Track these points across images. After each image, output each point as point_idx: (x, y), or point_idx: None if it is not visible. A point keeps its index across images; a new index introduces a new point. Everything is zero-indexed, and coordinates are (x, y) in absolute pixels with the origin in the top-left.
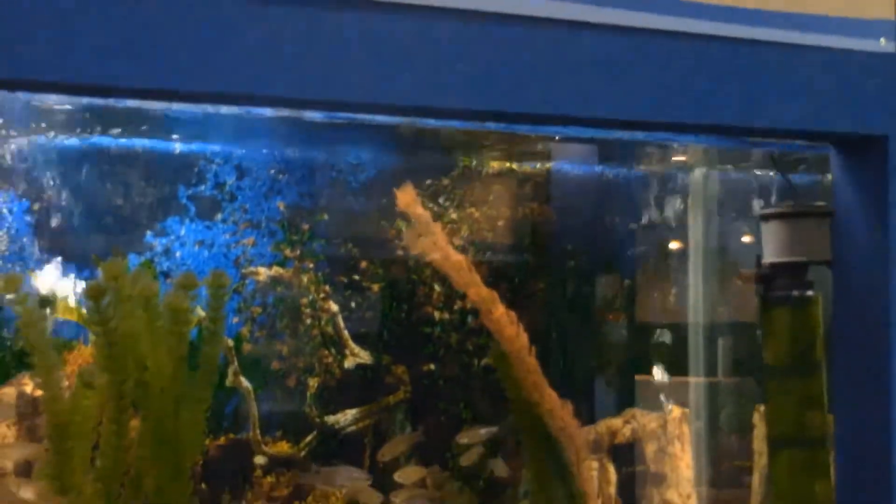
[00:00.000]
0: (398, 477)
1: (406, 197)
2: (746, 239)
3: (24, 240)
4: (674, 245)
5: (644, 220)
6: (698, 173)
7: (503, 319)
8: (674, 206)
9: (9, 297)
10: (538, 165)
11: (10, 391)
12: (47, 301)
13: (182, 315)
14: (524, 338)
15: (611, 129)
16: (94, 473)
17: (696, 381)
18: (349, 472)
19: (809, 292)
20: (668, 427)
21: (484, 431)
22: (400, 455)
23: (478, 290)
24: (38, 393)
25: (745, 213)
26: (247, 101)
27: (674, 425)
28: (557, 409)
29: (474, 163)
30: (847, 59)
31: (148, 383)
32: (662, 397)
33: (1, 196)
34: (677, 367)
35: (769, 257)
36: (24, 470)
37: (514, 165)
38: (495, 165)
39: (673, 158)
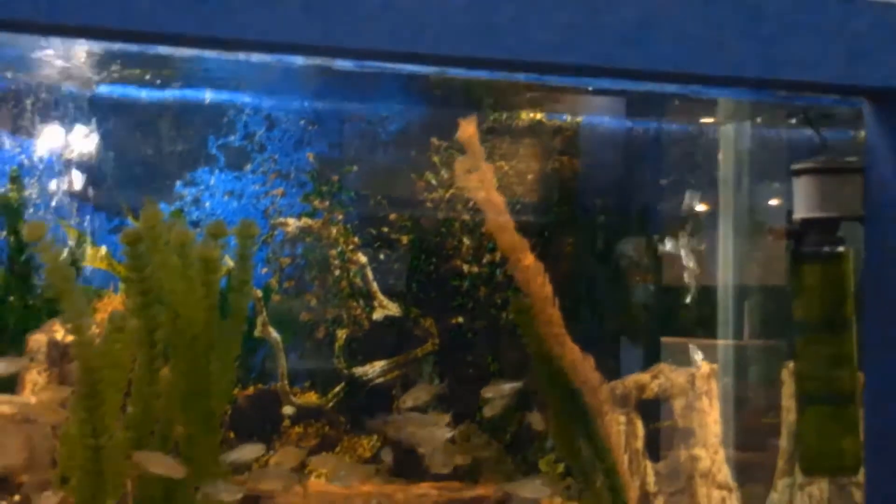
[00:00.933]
0: (405, 402)
1: (468, 128)
2: (777, 195)
3: (55, 189)
4: (703, 201)
5: (673, 177)
6: (729, 128)
7: (531, 269)
8: (704, 162)
9: (36, 244)
10: (568, 119)
11: (40, 338)
12: (76, 249)
13: (212, 263)
14: (549, 289)
15: (642, 82)
16: (125, 420)
17: (724, 343)
18: (423, 419)
19: (840, 248)
20: (697, 382)
21: (508, 386)
22: (422, 404)
23: (511, 237)
24: (69, 339)
25: (776, 170)
26: (281, 49)
27: (702, 381)
28: (579, 363)
29: (504, 115)
30: (884, 12)
31: (179, 331)
32: (692, 350)
33: (31, 145)
34: (705, 327)
35: (800, 213)
36: None
37: (544, 118)
38: (525, 118)
39: (703, 113)
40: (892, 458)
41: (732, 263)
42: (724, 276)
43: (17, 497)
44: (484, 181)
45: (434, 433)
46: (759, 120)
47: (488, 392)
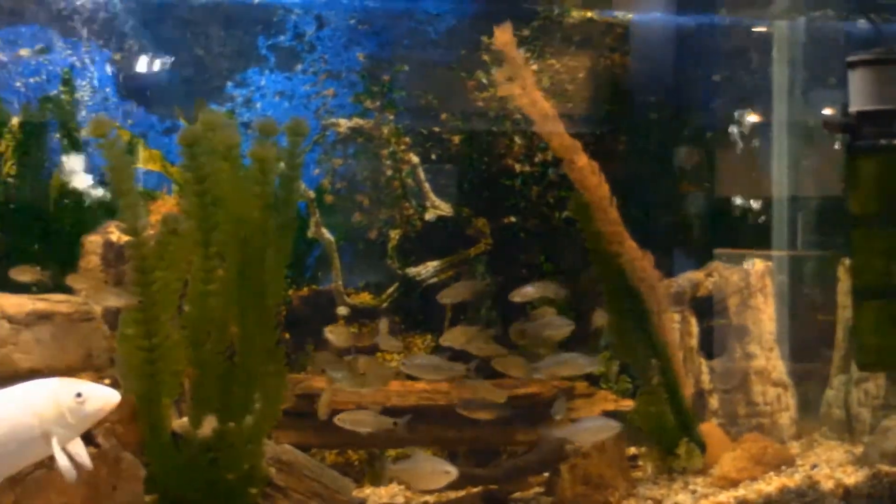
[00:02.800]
0: (444, 340)
1: (504, 35)
2: (833, 92)
3: (107, 90)
4: (756, 98)
5: (726, 73)
6: (783, 24)
7: (586, 169)
8: (757, 58)
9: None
10: (619, 15)
11: (96, 239)
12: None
13: (267, 164)
14: (605, 188)
15: None
16: (180, 320)
17: (778, 253)
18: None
19: None
20: (751, 280)
21: (532, 289)
22: (462, 300)
23: (561, 139)
24: (124, 240)
25: (830, 66)
26: None
27: (756, 278)
28: (638, 260)
29: (555, 12)
30: None
31: (235, 231)
32: (745, 256)
33: (82, 47)
34: (759, 236)
35: (855, 105)
36: (112, 317)
37: (595, 16)
38: (576, 16)
39: (757, 8)
40: None
41: (787, 170)
42: (779, 184)
43: None
44: (525, 87)
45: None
46: (813, 14)
47: (515, 297)
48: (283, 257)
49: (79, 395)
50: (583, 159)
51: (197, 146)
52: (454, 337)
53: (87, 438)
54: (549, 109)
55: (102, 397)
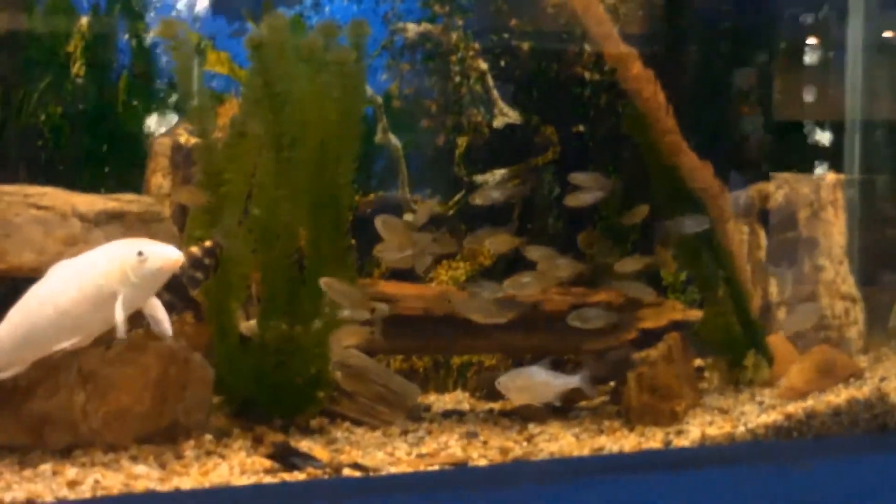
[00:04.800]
0: (490, 244)
1: None
2: None
3: None
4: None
5: None
6: None
7: (641, 77)
8: None
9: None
10: None
11: (165, 141)
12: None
13: (346, 67)
14: (661, 97)
15: None
16: (248, 223)
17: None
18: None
19: None
20: (822, 192)
21: (590, 196)
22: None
23: (616, 45)
24: (192, 142)
25: None
26: None
27: (827, 191)
28: (698, 170)
29: None
30: None
31: (306, 135)
32: (816, 164)
33: None
34: (824, 160)
35: None
36: (180, 215)
37: None
38: None
39: None
40: None
41: (860, 90)
42: (852, 105)
43: None
44: None
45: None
46: None
47: (570, 200)
48: (351, 161)
49: (140, 253)
50: (637, 67)
51: (265, 49)
52: (498, 243)
53: None
54: (603, 15)
55: (163, 255)
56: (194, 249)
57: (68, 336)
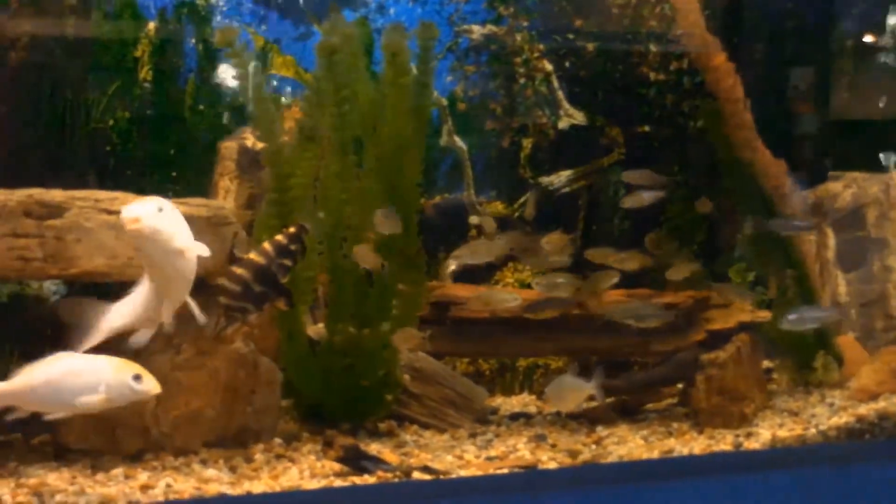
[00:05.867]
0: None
1: None
2: None
3: None
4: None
5: None
6: None
7: (721, 69)
8: None
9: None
10: None
11: (231, 145)
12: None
13: (407, 69)
14: (740, 91)
15: None
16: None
17: None
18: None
19: None
20: (891, 192)
21: (648, 195)
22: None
23: (702, 34)
24: (259, 146)
25: None
26: None
27: None
28: (771, 168)
29: None
30: None
31: (375, 139)
32: (882, 157)
33: None
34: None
35: None
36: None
37: None
38: None
39: None
40: None
41: None
42: None
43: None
44: None
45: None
46: None
47: (626, 202)
48: (417, 164)
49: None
50: (720, 58)
51: (335, 55)
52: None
53: None
54: (695, 2)
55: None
56: (279, 237)
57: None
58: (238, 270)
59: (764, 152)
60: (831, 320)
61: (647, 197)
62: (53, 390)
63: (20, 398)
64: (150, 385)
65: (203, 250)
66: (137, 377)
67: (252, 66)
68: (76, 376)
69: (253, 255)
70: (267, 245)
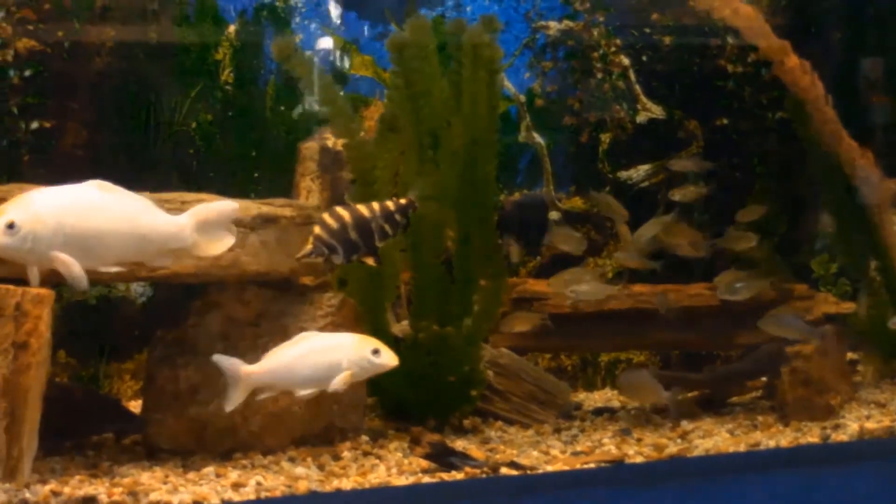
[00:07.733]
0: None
1: None
2: None
3: None
4: None
5: None
6: None
7: (797, 69)
8: None
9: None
10: None
11: (312, 145)
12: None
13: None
14: (820, 87)
15: None
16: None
17: None
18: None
19: None
20: None
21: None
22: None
23: (769, 41)
24: (340, 146)
25: None
26: None
27: None
28: (858, 159)
29: None
30: None
31: (457, 134)
32: None
33: None
34: None
35: None
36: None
37: None
38: None
39: None
40: None
41: None
42: None
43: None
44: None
45: None
46: None
47: (674, 195)
48: (494, 160)
49: None
50: (793, 59)
51: (406, 51)
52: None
53: None
54: (751, 13)
55: None
56: (390, 203)
57: None
58: (341, 211)
59: (850, 143)
60: None
61: (692, 191)
62: (299, 369)
63: (269, 379)
64: (388, 358)
65: None
66: (376, 351)
67: (316, 69)
68: (320, 354)
69: (360, 206)
70: (375, 204)
